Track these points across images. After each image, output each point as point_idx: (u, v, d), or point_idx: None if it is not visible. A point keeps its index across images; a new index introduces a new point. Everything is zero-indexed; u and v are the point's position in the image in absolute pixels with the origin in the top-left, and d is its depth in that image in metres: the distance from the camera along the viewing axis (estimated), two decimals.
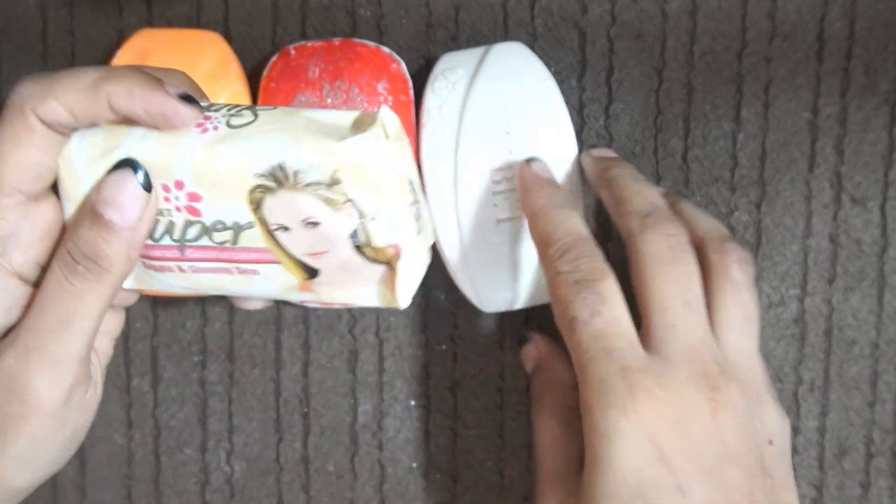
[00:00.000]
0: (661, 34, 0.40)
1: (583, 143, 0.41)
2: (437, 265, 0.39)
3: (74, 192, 0.30)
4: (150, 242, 0.32)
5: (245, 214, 0.31)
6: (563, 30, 0.41)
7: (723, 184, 0.40)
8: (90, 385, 0.30)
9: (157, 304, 0.43)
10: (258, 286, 0.33)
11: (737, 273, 0.32)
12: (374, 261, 0.32)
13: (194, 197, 0.30)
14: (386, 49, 0.39)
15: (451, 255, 0.39)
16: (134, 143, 0.30)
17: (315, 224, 0.30)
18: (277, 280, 0.32)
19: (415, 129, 0.40)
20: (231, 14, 0.42)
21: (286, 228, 0.31)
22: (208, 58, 0.40)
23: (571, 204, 0.35)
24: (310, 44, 0.39)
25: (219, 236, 0.31)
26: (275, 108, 0.31)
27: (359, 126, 0.30)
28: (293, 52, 0.39)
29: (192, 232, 0.31)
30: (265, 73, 0.40)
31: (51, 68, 0.42)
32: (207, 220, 0.31)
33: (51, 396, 0.29)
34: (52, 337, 0.28)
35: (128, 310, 0.43)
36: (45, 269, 0.30)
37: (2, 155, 0.28)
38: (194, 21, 0.42)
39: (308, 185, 0.30)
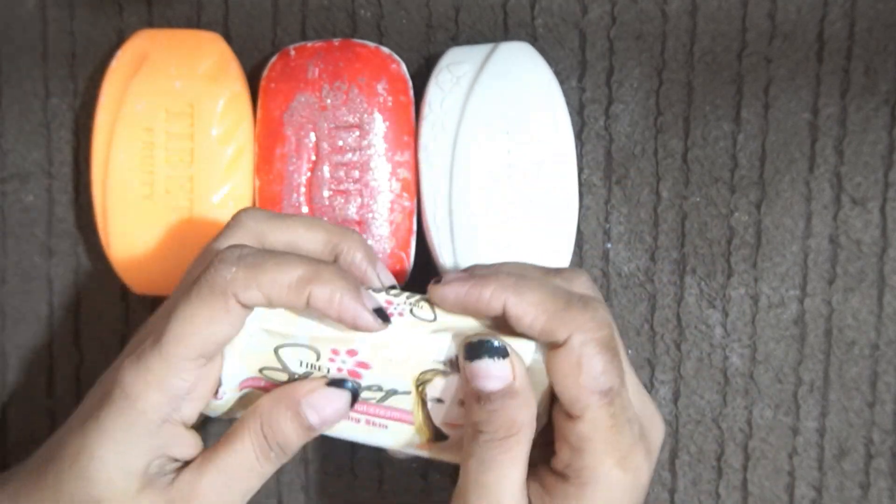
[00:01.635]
0: (661, 34, 0.40)
1: (583, 144, 0.41)
2: (428, 260, 0.39)
3: (242, 348, 0.32)
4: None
5: (406, 386, 0.32)
6: (563, 30, 0.41)
7: (723, 184, 0.40)
8: None
9: (155, 305, 0.43)
10: (376, 438, 0.34)
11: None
12: None
13: (363, 365, 0.32)
14: (386, 49, 0.39)
15: (441, 249, 0.39)
16: (316, 324, 0.32)
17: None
18: (401, 436, 0.34)
19: (414, 126, 0.40)
20: (231, 14, 0.42)
21: (440, 401, 0.33)
22: (208, 58, 0.40)
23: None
24: (309, 44, 0.39)
25: (367, 395, 0.33)
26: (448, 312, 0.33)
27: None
28: (293, 52, 0.39)
29: None
30: (265, 73, 0.40)
31: (51, 68, 0.42)
32: (364, 382, 0.32)
33: None
34: (227, 500, 0.32)
35: (129, 313, 0.43)
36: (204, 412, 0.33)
37: (196, 329, 0.30)
38: (194, 21, 0.42)
39: None
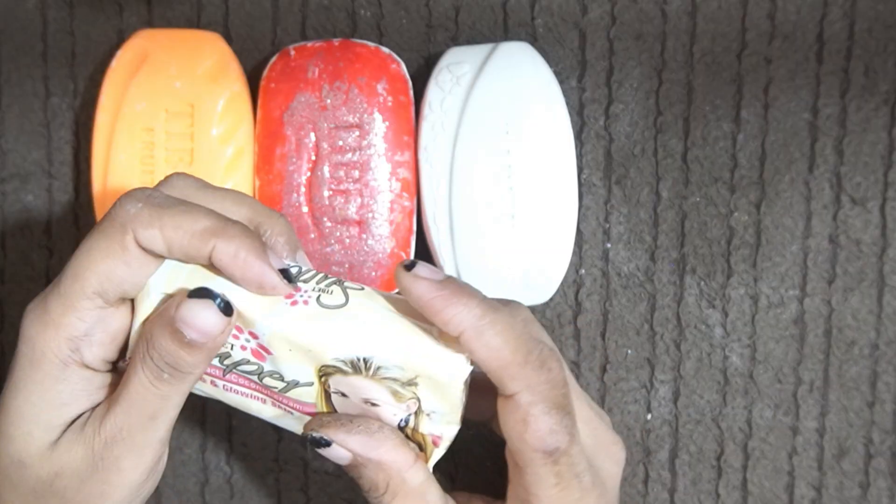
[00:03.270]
0: (661, 34, 0.40)
1: (582, 144, 0.41)
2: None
3: (144, 309, 0.31)
4: None
5: (308, 378, 0.31)
6: (563, 30, 0.41)
7: (723, 184, 0.40)
8: (164, 454, 0.32)
9: None
10: (285, 421, 0.34)
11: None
12: (409, 439, 0.33)
13: (264, 349, 0.31)
14: (386, 49, 0.39)
15: (441, 249, 0.39)
16: (220, 290, 0.30)
17: (374, 405, 0.32)
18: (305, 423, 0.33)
19: (414, 126, 0.40)
20: (231, 14, 0.42)
21: (344, 395, 0.32)
22: (208, 58, 0.40)
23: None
24: (309, 44, 0.39)
25: (270, 381, 0.32)
26: (362, 288, 0.31)
27: (440, 333, 0.31)
28: (293, 52, 0.39)
29: (246, 368, 0.32)
30: (265, 73, 0.40)
31: (51, 68, 0.42)
32: (267, 367, 0.32)
33: (134, 476, 0.31)
34: (139, 429, 0.30)
35: None
36: (111, 363, 0.32)
37: (92, 263, 0.29)
38: (194, 21, 0.42)
39: (384, 378, 0.31)
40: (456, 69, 0.39)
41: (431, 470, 0.33)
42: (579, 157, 0.41)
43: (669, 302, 0.41)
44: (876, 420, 0.40)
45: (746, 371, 0.41)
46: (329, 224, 0.39)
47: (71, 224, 0.43)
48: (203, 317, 0.30)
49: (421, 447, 0.33)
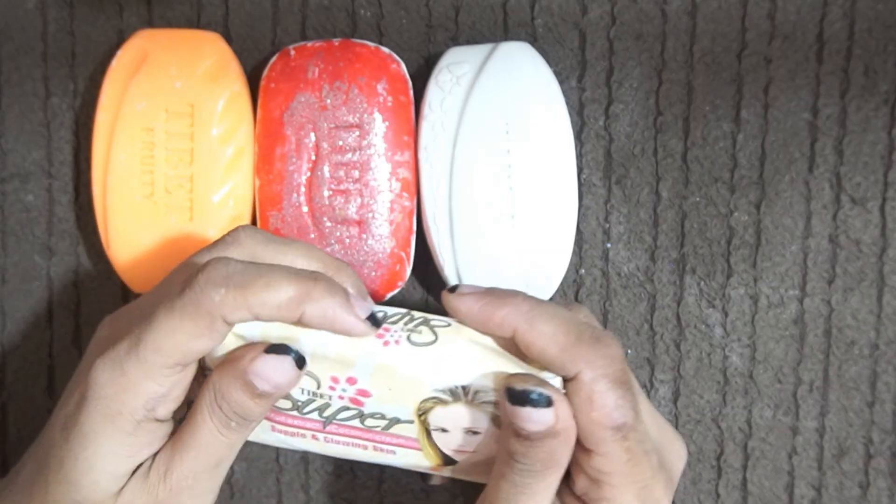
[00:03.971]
0: (661, 34, 0.40)
1: (582, 144, 0.41)
2: (428, 260, 0.39)
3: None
4: (294, 413, 0.33)
5: (408, 414, 0.32)
6: (563, 30, 0.41)
7: (723, 184, 0.40)
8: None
9: None
10: (386, 460, 0.34)
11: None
12: None
13: (363, 393, 0.32)
14: (386, 49, 0.39)
15: (441, 249, 0.39)
16: (312, 340, 0.31)
17: (475, 433, 0.33)
18: (411, 460, 0.34)
19: (414, 126, 0.40)
20: (231, 14, 0.42)
21: (444, 430, 0.33)
22: (208, 58, 0.40)
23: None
24: (309, 44, 0.39)
25: (371, 423, 0.33)
26: (448, 324, 0.32)
27: (524, 357, 0.32)
28: (293, 52, 0.39)
29: (345, 415, 0.33)
30: (265, 73, 0.40)
31: (51, 68, 0.42)
32: (367, 410, 0.32)
33: None
34: (205, 477, 0.32)
35: None
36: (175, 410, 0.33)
37: (177, 342, 0.30)
38: (194, 21, 0.42)
39: (483, 402, 0.32)
40: (456, 69, 0.39)
41: None
42: (579, 157, 0.41)
43: (669, 302, 0.41)
44: (876, 420, 0.40)
45: (746, 371, 0.41)
46: (329, 224, 0.39)
47: (71, 224, 0.43)
48: (280, 370, 0.31)
49: None
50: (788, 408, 0.41)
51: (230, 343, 0.32)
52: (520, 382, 0.30)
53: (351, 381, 0.32)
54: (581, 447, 0.31)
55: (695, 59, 0.40)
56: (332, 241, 0.39)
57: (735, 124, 0.40)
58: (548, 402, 0.30)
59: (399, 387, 0.31)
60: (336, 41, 0.39)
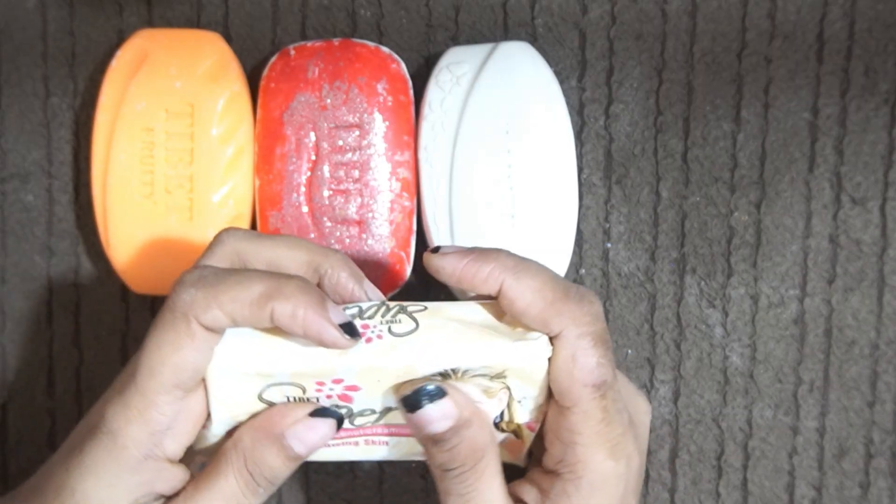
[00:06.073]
0: (661, 34, 0.40)
1: (582, 144, 0.41)
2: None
3: (224, 396, 0.31)
4: None
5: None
6: (563, 30, 0.41)
7: (723, 184, 0.40)
8: None
9: (155, 305, 0.43)
10: (379, 453, 0.34)
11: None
12: (505, 431, 0.33)
13: (352, 388, 0.31)
14: (386, 49, 0.39)
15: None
16: (293, 359, 0.30)
17: None
18: (403, 448, 0.34)
19: (414, 126, 0.40)
20: (231, 14, 0.42)
21: None
22: (208, 58, 0.40)
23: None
24: (309, 44, 0.39)
25: (361, 420, 0.32)
26: (424, 308, 0.32)
27: (508, 321, 0.32)
28: (293, 52, 0.39)
29: None
30: (265, 73, 0.40)
31: (51, 68, 0.42)
32: (356, 406, 0.32)
33: None
34: None
35: (129, 313, 0.43)
36: (188, 447, 0.32)
37: (163, 357, 0.29)
38: (194, 21, 0.42)
39: (473, 377, 0.31)
40: (456, 69, 0.39)
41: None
42: (579, 157, 0.41)
43: (669, 302, 0.41)
44: (876, 420, 0.40)
45: (746, 371, 0.41)
46: (329, 224, 0.39)
47: (71, 224, 0.43)
48: (320, 435, 0.31)
49: (517, 435, 0.33)
50: (789, 408, 0.41)
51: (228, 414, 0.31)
52: (407, 387, 0.31)
53: (337, 381, 0.31)
54: (556, 408, 0.31)
55: (695, 58, 0.40)
56: (332, 241, 0.39)
57: (735, 124, 0.40)
58: (442, 392, 0.30)
59: (388, 379, 0.31)
60: (336, 41, 0.39)
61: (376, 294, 0.33)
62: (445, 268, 0.31)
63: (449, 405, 0.31)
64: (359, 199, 0.39)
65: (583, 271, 0.41)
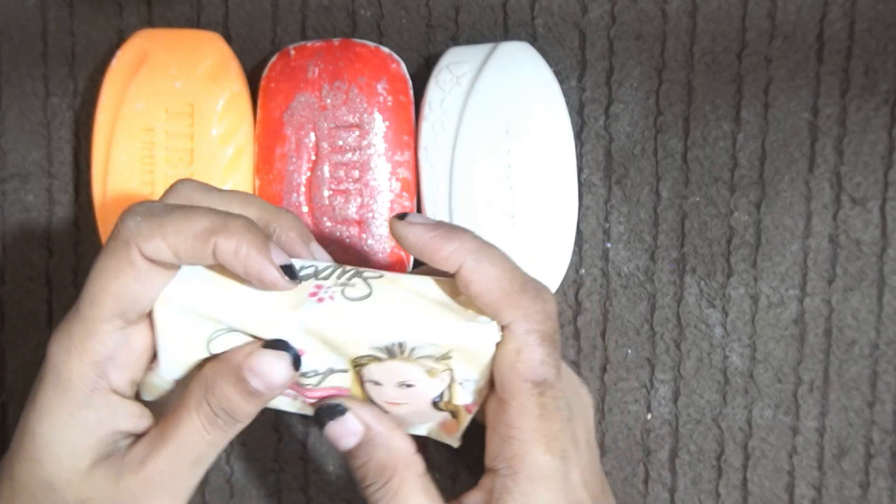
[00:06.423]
0: (661, 34, 0.40)
1: (582, 144, 0.41)
2: None
3: (172, 335, 0.31)
4: None
5: (343, 365, 0.32)
6: (563, 30, 0.41)
7: (723, 184, 0.40)
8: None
9: None
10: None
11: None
12: (443, 411, 0.33)
13: (298, 351, 0.31)
14: (386, 49, 0.39)
15: None
16: (242, 304, 0.30)
17: (409, 386, 0.32)
18: None
19: (414, 126, 0.40)
20: (231, 14, 0.42)
21: (378, 384, 0.32)
22: (208, 58, 0.40)
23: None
24: (309, 44, 0.39)
25: (304, 380, 0.32)
26: (381, 275, 0.31)
27: (463, 301, 0.31)
28: (293, 52, 0.39)
29: None
30: (265, 73, 0.40)
31: (51, 68, 0.42)
32: (301, 369, 0.32)
33: None
34: (181, 474, 0.31)
35: None
36: (137, 383, 0.32)
37: (104, 285, 0.29)
38: (194, 21, 0.42)
39: (419, 357, 0.31)
40: (456, 69, 0.39)
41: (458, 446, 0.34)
42: (579, 157, 0.41)
43: (669, 302, 0.41)
44: (876, 420, 0.40)
45: (746, 371, 0.41)
46: (329, 224, 0.39)
47: (71, 224, 0.43)
48: (275, 369, 0.30)
49: (454, 415, 0.33)
50: (789, 408, 0.41)
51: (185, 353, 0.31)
52: (317, 404, 0.31)
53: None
54: (496, 401, 0.31)
55: (695, 58, 0.40)
56: (332, 241, 0.39)
57: (735, 124, 0.40)
58: (341, 410, 0.31)
59: (335, 344, 0.31)
60: (336, 41, 0.39)
61: (324, 256, 0.33)
62: (409, 237, 0.31)
63: (352, 422, 0.31)
64: (359, 199, 0.39)
65: (583, 271, 0.41)
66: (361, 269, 0.32)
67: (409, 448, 0.32)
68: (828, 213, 0.40)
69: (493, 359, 0.31)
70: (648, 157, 0.41)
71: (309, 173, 0.39)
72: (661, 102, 0.40)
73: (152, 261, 0.29)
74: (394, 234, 0.31)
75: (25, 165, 0.43)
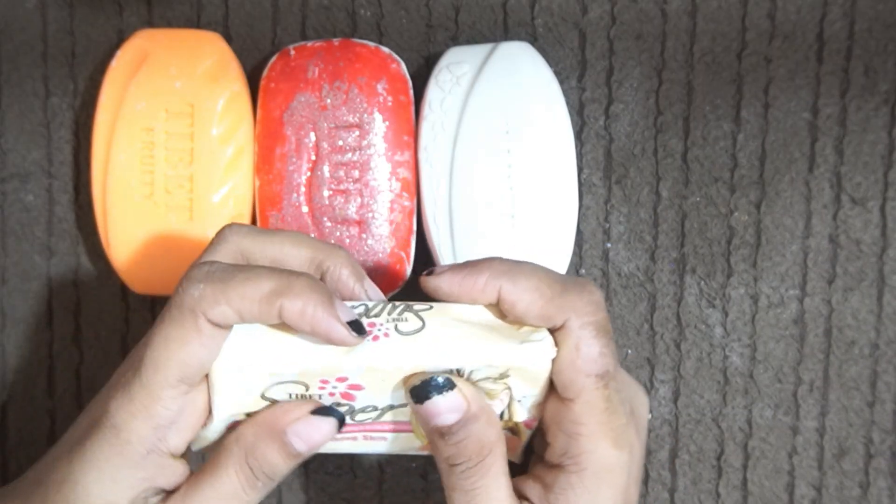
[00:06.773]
0: (661, 34, 0.40)
1: (582, 143, 0.41)
2: (428, 260, 0.39)
3: (229, 393, 0.31)
4: None
5: (401, 399, 0.32)
6: (563, 30, 0.41)
7: (723, 184, 0.40)
8: None
9: (155, 305, 0.43)
10: (378, 448, 0.34)
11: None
12: (504, 429, 0.33)
13: (355, 387, 0.31)
14: (386, 49, 0.40)
15: (441, 249, 0.39)
16: (301, 357, 0.30)
17: None
18: (402, 443, 0.34)
19: (414, 126, 0.40)
20: (231, 14, 0.42)
21: None
22: (208, 58, 0.40)
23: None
24: (309, 44, 0.39)
25: (362, 416, 0.32)
26: (430, 307, 0.32)
27: (512, 321, 0.32)
28: (293, 52, 0.39)
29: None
30: (265, 73, 0.40)
31: (51, 68, 0.42)
32: (358, 404, 0.32)
33: None
34: None
35: (129, 313, 0.43)
36: (191, 441, 0.32)
37: (170, 353, 0.29)
38: (194, 21, 0.42)
39: (478, 380, 0.31)
40: (456, 69, 0.39)
41: None
42: (579, 157, 0.41)
43: (669, 302, 0.41)
44: (876, 420, 0.40)
45: (746, 371, 0.41)
46: (329, 224, 0.39)
47: (71, 224, 0.43)
48: (322, 433, 0.31)
49: (514, 433, 0.33)
50: (789, 408, 0.41)
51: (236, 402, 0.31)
52: (416, 378, 0.31)
53: (341, 379, 0.31)
54: (559, 401, 0.31)
55: (695, 58, 0.40)
56: (332, 242, 0.39)
57: (735, 124, 0.40)
58: (451, 384, 0.30)
59: (393, 378, 0.31)
60: (336, 41, 0.39)
61: (376, 293, 0.33)
62: (442, 287, 0.31)
63: (457, 398, 0.31)
64: (359, 199, 0.39)
65: (583, 271, 0.41)
66: (411, 302, 0.32)
67: (500, 430, 0.32)
68: (828, 213, 0.40)
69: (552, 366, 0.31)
70: (648, 157, 0.41)
71: (309, 173, 0.39)
72: (661, 102, 0.40)
73: (217, 325, 0.30)
74: (426, 291, 0.32)
75: (25, 165, 0.43)
